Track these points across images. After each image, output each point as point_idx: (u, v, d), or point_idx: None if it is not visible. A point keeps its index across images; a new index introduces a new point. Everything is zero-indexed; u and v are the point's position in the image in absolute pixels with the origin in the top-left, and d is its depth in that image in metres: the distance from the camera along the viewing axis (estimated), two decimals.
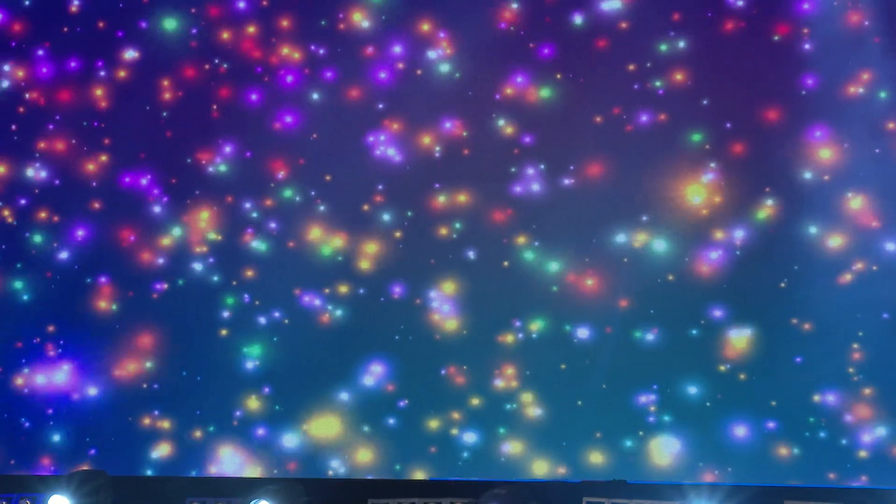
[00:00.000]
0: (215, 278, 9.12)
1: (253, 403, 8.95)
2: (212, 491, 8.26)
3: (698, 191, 8.41)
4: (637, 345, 8.51)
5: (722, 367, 8.26)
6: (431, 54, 8.99)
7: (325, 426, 8.60)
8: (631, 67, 8.69)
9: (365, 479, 8.51)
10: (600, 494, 7.67)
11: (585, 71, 8.82)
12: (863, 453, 8.02)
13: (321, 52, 9.24)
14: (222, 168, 9.21)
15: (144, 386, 8.95)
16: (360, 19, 9.18)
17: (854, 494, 7.53)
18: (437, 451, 8.73)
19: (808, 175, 8.30)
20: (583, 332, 8.55)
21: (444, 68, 8.98)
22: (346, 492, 8.36)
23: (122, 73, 9.46)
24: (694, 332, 8.35)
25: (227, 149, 9.26)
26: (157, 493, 8.47)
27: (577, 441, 8.49)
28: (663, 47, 8.60)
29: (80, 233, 9.33)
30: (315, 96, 9.16)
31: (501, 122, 8.84)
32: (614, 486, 7.80)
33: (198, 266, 9.14)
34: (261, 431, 8.91)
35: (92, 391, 8.91)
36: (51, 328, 9.11)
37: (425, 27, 9.11)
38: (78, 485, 7.30)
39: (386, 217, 8.91)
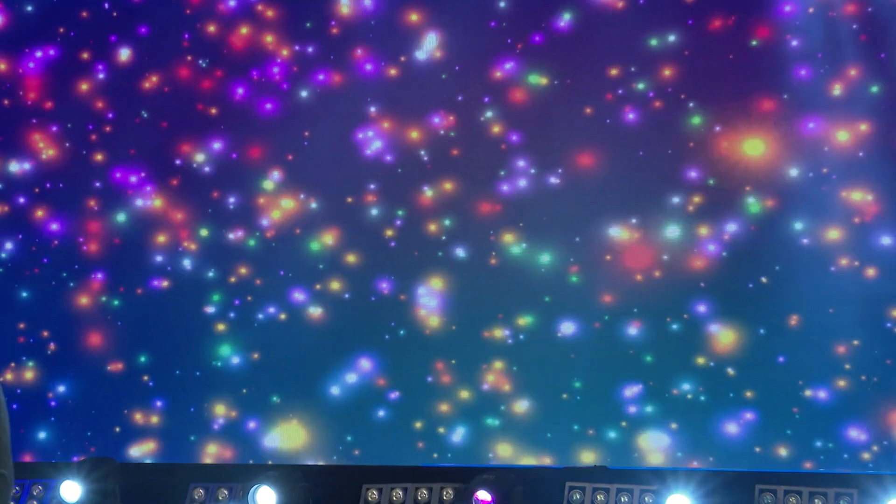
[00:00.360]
0: (204, 274, 9.30)
1: (239, 401, 9.12)
2: (214, 477, 8.54)
3: (684, 187, 8.60)
4: (622, 339, 8.63)
5: (701, 360, 8.44)
6: (420, 54, 9.17)
7: (301, 431, 8.85)
8: (614, 72, 8.80)
9: (359, 466, 8.77)
10: (583, 479, 8.01)
11: (575, 68, 8.94)
12: (839, 444, 8.23)
13: (310, 49, 9.42)
14: (210, 164, 9.40)
15: (145, 378, 9.21)
16: (348, 14, 9.34)
17: (820, 478, 7.77)
18: (424, 447, 8.93)
19: (794, 172, 8.46)
20: (569, 328, 8.74)
21: (433, 68, 9.15)
22: (342, 477, 8.57)
23: (112, 69, 9.65)
24: (677, 326, 8.54)
25: (217, 145, 9.44)
26: (161, 479, 8.67)
27: (562, 434, 8.69)
28: (654, 42, 8.78)
29: (71, 228, 9.52)
30: (304, 94, 9.33)
31: (490, 120, 8.99)
32: (596, 472, 8.15)
33: (187, 262, 9.34)
34: (252, 424, 9.09)
35: (82, 386, 9.18)
36: (43, 324, 9.36)
37: (413, 17, 9.24)
38: (88, 471, 7.68)
39: (374, 213, 9.08)
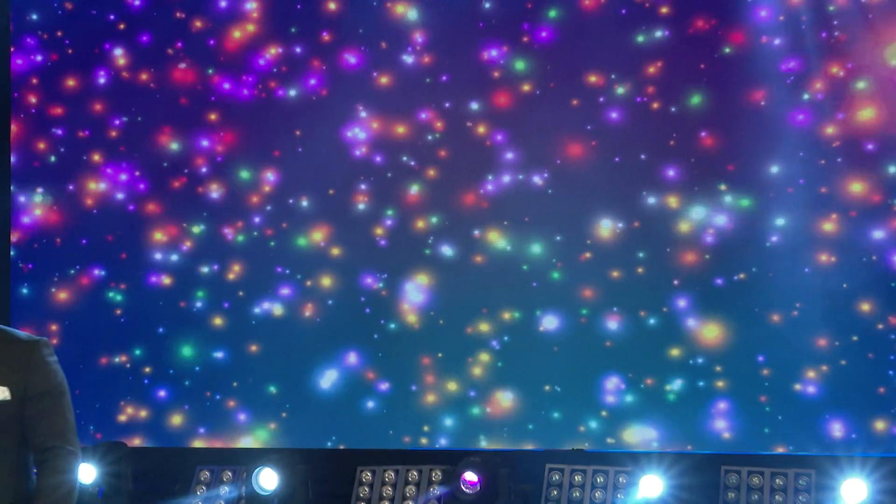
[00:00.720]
0: (197, 271, 9.43)
1: (230, 395, 9.29)
2: (219, 460, 8.91)
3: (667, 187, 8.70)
4: (602, 333, 8.80)
5: (677, 352, 8.64)
6: (407, 58, 9.27)
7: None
8: (593, 79, 8.91)
9: (354, 449, 8.98)
10: (562, 462, 8.44)
11: (558, 72, 9.01)
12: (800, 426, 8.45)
13: (297, 49, 9.50)
14: (202, 161, 9.48)
15: (146, 370, 9.44)
16: (336, 14, 9.41)
17: (781, 460, 8.29)
18: (411, 441, 9.12)
19: (775, 169, 8.55)
20: (551, 322, 8.89)
21: (420, 69, 9.22)
22: (337, 460, 8.92)
23: (106, 70, 9.71)
24: (654, 321, 8.70)
25: (204, 142, 9.56)
26: (169, 462, 8.96)
27: (544, 423, 8.93)
28: (639, 38, 8.86)
29: (69, 225, 9.66)
30: (293, 93, 9.39)
31: (476, 122, 9.08)
32: (574, 455, 8.56)
33: (182, 259, 9.47)
34: (242, 417, 9.31)
35: (83, 380, 9.33)
36: (46, 319, 9.57)
37: (399, 9, 9.29)
38: (102, 455, 8.16)
39: (364, 212, 9.19)
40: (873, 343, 8.44)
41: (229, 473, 8.86)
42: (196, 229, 9.52)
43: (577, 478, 8.44)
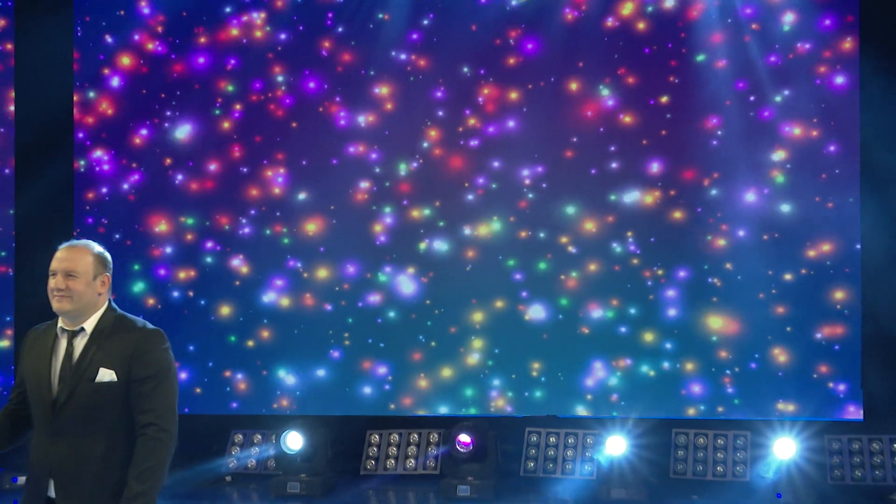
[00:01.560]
0: (198, 263, 9.82)
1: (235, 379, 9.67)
2: (252, 425, 9.66)
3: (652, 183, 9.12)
4: (586, 321, 9.36)
5: (651, 338, 9.30)
6: (401, 55, 9.62)
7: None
8: (574, 85, 9.38)
9: (365, 416, 9.61)
10: (539, 426, 9.27)
11: (547, 76, 9.46)
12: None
13: (283, 38, 9.78)
14: (200, 158, 9.85)
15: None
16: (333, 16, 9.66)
17: (722, 424, 9.14)
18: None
19: (773, 156, 9.04)
20: (538, 311, 9.39)
21: (414, 70, 9.62)
22: (352, 425, 9.64)
23: (113, 70, 9.99)
24: (635, 310, 9.31)
25: (187, 127, 9.88)
26: (206, 427, 9.62)
27: (531, 405, 9.45)
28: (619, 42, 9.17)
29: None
30: (293, 93, 9.74)
31: (467, 123, 9.53)
32: (549, 420, 9.29)
33: (182, 254, 9.86)
34: (234, 405, 9.79)
35: None
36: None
37: (398, 20, 9.67)
38: None
39: (363, 208, 9.63)
40: (821, 329, 9.12)
41: (259, 436, 9.63)
42: (189, 221, 9.87)
43: (552, 439, 9.35)
